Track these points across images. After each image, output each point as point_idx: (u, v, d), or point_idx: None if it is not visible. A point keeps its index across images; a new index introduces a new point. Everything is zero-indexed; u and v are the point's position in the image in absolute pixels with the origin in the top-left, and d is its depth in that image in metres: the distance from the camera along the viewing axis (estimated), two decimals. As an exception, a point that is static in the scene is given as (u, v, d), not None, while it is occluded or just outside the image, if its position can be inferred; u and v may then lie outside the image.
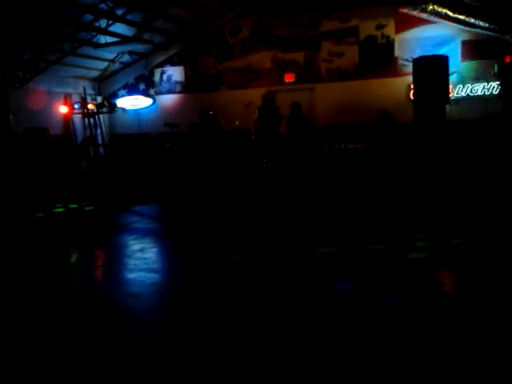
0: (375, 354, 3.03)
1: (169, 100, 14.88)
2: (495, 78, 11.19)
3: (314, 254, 5.35)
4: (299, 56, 13.47)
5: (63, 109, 13.49)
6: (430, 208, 7.30)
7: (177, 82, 14.87)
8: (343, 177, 10.20)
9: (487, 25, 10.90)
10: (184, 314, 3.85)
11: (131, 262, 5.35)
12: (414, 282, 4.34)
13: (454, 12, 11.17)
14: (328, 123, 12.67)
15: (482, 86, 11.82)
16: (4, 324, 3.80)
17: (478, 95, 11.87)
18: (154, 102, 14.94)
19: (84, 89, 13.69)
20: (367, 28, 12.84)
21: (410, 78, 10.95)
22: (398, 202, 7.94)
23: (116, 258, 5.71)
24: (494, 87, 11.69)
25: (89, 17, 11.72)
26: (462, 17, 11.15)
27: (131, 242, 6.22)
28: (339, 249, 5.50)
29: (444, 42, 12.03)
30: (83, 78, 14.47)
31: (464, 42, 11.97)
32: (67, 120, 13.65)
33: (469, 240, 5.53)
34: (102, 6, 11.31)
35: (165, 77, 14.98)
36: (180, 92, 14.82)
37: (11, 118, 11.19)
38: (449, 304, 3.77)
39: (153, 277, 4.79)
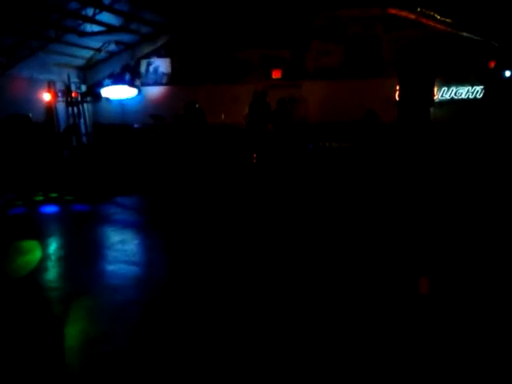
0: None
1: (154, 91, 14.74)
2: (479, 82, 11.32)
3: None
4: (286, 53, 13.45)
5: (46, 96, 13.28)
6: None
7: (163, 74, 14.74)
8: (326, 176, 10.20)
9: (473, 29, 11.04)
10: (164, 309, 3.82)
11: (111, 254, 5.29)
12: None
13: (441, 15, 11.27)
14: (314, 120, 12.67)
15: (466, 89, 11.94)
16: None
17: (463, 98, 11.99)
18: (140, 92, 14.78)
19: (68, 77, 13.49)
20: (355, 27, 12.87)
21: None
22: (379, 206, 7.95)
23: (95, 249, 5.64)
24: (477, 91, 11.82)
25: (75, 4, 11.53)
26: (448, 20, 11.26)
27: (111, 234, 6.16)
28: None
29: (430, 45, 12.12)
30: (68, 65, 14.24)
31: (450, 46, 12.07)
32: (50, 108, 13.44)
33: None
34: (89, -7, 11.16)
35: (151, 68, 14.84)
36: (166, 84, 14.70)
37: (-8, 104, 10.99)
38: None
39: (132, 269, 4.75)
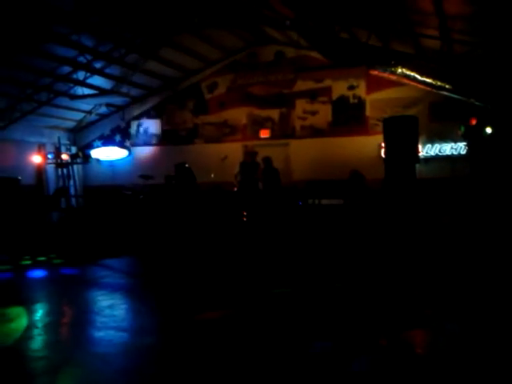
0: None
1: (145, 152, 14.95)
2: (462, 139, 11.61)
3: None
4: (274, 113, 13.80)
5: (36, 159, 13.36)
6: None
7: (153, 135, 15.00)
8: (316, 231, 10.27)
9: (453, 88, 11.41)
10: (155, 380, 3.70)
11: (99, 320, 5.16)
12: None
13: (421, 75, 11.68)
14: (302, 178, 12.83)
15: (449, 146, 12.24)
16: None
17: (447, 155, 12.27)
18: (130, 153, 14.97)
19: (59, 139, 13.64)
20: (340, 88, 13.30)
21: (380, 137, 11.27)
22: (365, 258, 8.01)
23: (83, 314, 5.51)
24: (461, 147, 12.11)
25: (67, 68, 11.85)
26: (429, 80, 11.66)
27: (99, 298, 6.04)
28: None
29: (413, 103, 12.52)
30: (58, 128, 14.46)
31: (432, 104, 12.47)
32: (40, 170, 13.51)
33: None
34: (81, 58, 11.48)
35: (141, 129, 15.10)
36: (156, 144, 14.93)
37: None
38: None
39: (121, 336, 4.63)
